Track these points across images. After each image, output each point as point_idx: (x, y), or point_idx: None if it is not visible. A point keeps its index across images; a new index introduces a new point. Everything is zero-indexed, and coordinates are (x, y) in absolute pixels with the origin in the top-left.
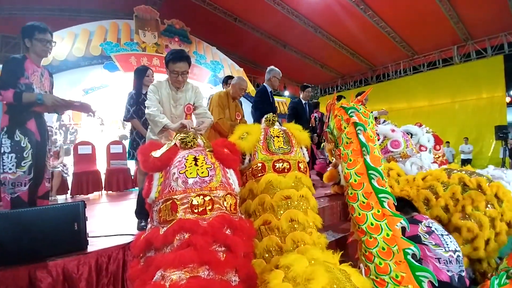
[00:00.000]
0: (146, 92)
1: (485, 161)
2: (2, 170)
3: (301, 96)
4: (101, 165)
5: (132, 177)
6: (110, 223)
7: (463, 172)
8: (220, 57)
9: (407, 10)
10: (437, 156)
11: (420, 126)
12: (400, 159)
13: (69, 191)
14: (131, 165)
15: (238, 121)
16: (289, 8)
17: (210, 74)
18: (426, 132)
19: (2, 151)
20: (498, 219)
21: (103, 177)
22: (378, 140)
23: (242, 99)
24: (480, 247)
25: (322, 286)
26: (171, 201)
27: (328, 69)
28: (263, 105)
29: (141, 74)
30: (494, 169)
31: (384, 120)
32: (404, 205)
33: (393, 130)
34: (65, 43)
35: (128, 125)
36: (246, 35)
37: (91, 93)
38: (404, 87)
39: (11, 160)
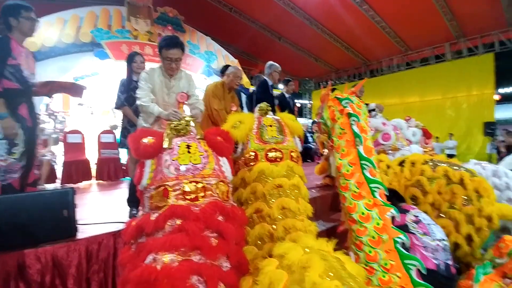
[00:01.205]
0: (137, 79)
1: (472, 156)
2: None
3: (284, 89)
4: (92, 155)
5: (124, 167)
6: (101, 211)
7: (448, 165)
8: (214, 47)
9: (403, 5)
10: (426, 150)
11: (409, 119)
12: (390, 151)
13: (58, 180)
14: (122, 155)
15: (233, 112)
16: (286, 0)
17: (203, 65)
18: (416, 126)
19: None
20: (476, 215)
21: (94, 166)
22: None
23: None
24: (462, 243)
25: (318, 274)
26: (163, 187)
27: (322, 62)
28: (265, 96)
29: (130, 60)
30: (475, 163)
31: (376, 113)
32: (392, 196)
33: (384, 124)
34: (54, 29)
35: (118, 114)
36: (241, 26)
37: (81, 81)
38: (397, 82)
39: (2, 146)
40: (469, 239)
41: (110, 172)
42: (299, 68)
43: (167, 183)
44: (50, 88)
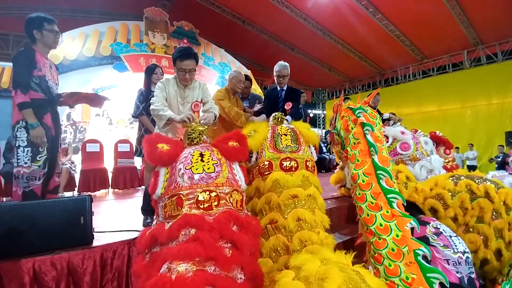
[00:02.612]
0: None
1: (494, 167)
2: (17, 163)
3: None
4: (109, 163)
5: (139, 175)
6: (116, 219)
7: (470, 178)
8: (228, 59)
9: (417, 13)
10: (447, 160)
11: (415, 132)
12: (410, 162)
13: (76, 188)
14: (138, 163)
15: (250, 115)
16: (298, 11)
17: (218, 76)
18: (424, 136)
19: (17, 144)
20: (506, 229)
21: (110, 175)
22: (387, 142)
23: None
24: (491, 258)
25: (337, 286)
26: (176, 196)
27: (336, 72)
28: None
29: (150, 72)
30: (492, 175)
31: (394, 122)
32: (411, 207)
33: (402, 132)
34: (76, 43)
35: (135, 125)
36: (254, 37)
37: (101, 93)
38: (413, 91)
39: (26, 154)
40: (498, 254)
41: (126, 181)
42: (312, 78)
43: (181, 192)
44: (76, 98)
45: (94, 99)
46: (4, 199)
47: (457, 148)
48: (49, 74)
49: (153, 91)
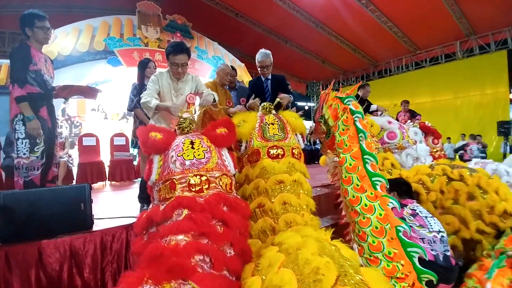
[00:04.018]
0: None
1: (486, 157)
2: (17, 155)
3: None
4: (105, 157)
5: (135, 168)
6: (113, 208)
7: (447, 165)
8: (221, 52)
9: (409, 5)
10: (435, 150)
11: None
12: (396, 150)
13: (74, 181)
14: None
15: (229, 107)
16: (291, 3)
17: (211, 69)
18: (413, 126)
19: (16, 137)
20: (484, 211)
21: (107, 168)
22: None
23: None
24: (475, 237)
25: (311, 253)
26: (170, 181)
27: (330, 64)
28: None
29: (143, 66)
30: (475, 162)
31: (381, 113)
32: (398, 186)
33: (389, 122)
34: (70, 38)
35: (131, 119)
36: (247, 30)
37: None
38: (406, 82)
39: (25, 145)
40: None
41: (122, 173)
42: (306, 70)
43: (174, 177)
44: (69, 91)
45: (87, 91)
46: None
47: (449, 138)
48: (45, 68)
49: (146, 85)
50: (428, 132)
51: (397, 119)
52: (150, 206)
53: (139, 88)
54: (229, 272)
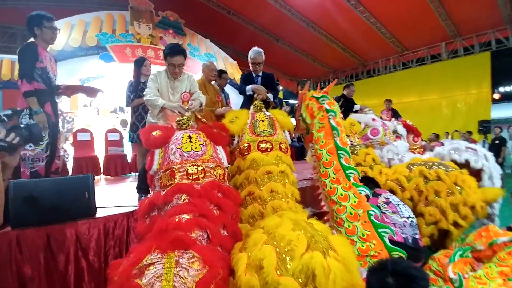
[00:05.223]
0: (145, 81)
1: None
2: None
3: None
4: (98, 152)
5: (129, 163)
6: (112, 199)
7: (423, 165)
8: (214, 49)
9: (397, 6)
10: (415, 147)
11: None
12: (378, 146)
13: (69, 174)
14: (128, 151)
15: (219, 102)
16: (282, 3)
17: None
18: (397, 124)
19: None
20: (461, 205)
21: (101, 163)
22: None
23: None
24: (452, 229)
25: (286, 229)
26: (170, 170)
27: (320, 63)
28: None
29: (139, 64)
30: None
31: (370, 109)
32: (369, 182)
33: (373, 119)
34: (62, 33)
35: (121, 115)
36: (239, 28)
37: (87, 83)
38: (394, 82)
39: None
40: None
41: (117, 168)
42: (297, 69)
43: (173, 166)
44: (73, 90)
45: (89, 90)
46: None
47: None
48: (49, 66)
49: (141, 82)
50: (409, 130)
51: (380, 117)
52: (150, 194)
53: (135, 85)
54: (222, 249)
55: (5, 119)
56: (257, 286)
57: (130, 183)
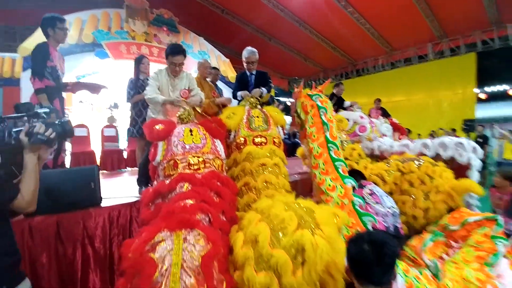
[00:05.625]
0: (144, 78)
1: None
2: None
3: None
4: (95, 147)
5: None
6: (113, 191)
7: (400, 160)
8: (207, 47)
9: (386, 7)
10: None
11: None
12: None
13: None
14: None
15: (215, 98)
16: (275, 2)
17: (196, 64)
18: (385, 123)
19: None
20: (433, 192)
21: (98, 158)
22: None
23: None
24: (418, 215)
25: (279, 210)
26: (173, 160)
27: (311, 62)
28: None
29: (138, 62)
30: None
31: (356, 108)
32: (356, 174)
33: (361, 117)
34: None
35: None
36: (233, 27)
37: (83, 80)
38: (383, 81)
39: None
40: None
41: (113, 163)
42: (289, 67)
43: (176, 157)
44: (79, 87)
45: (93, 87)
46: None
47: (419, 135)
48: (58, 65)
49: (141, 79)
50: (395, 128)
51: (369, 115)
52: (155, 182)
53: (135, 82)
54: (222, 231)
55: (44, 116)
56: (252, 257)
57: (127, 178)
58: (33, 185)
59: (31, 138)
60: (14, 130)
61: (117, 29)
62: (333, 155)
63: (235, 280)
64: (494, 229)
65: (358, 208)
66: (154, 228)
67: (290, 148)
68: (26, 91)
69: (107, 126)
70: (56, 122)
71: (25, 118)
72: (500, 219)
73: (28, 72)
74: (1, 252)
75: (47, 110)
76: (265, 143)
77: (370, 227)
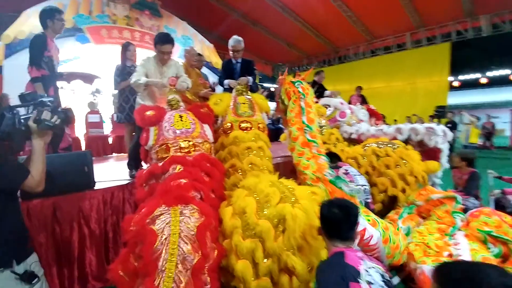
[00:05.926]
0: (131, 65)
1: None
2: None
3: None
4: (78, 133)
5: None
6: (102, 175)
7: (374, 145)
8: (190, 32)
9: None
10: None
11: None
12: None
13: None
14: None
15: (201, 85)
16: None
17: (180, 49)
18: (362, 109)
19: None
20: (407, 174)
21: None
22: (329, 110)
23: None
24: (399, 194)
25: (264, 185)
26: (165, 144)
27: (295, 48)
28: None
29: (124, 49)
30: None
31: (335, 96)
32: (333, 157)
33: (341, 103)
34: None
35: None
36: (217, 12)
37: (64, 65)
38: (363, 68)
39: None
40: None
41: (99, 149)
42: (273, 53)
43: (168, 141)
44: (73, 77)
45: (87, 77)
46: None
47: (395, 120)
48: (55, 55)
49: (127, 66)
50: (372, 114)
51: (350, 102)
52: (147, 165)
53: (121, 68)
54: (212, 207)
55: (49, 103)
56: (240, 226)
57: (114, 163)
58: (41, 166)
59: (39, 124)
60: (22, 117)
61: (98, 13)
62: (309, 137)
63: (225, 248)
64: (453, 206)
65: (330, 177)
66: (153, 203)
67: (274, 133)
68: (9, 79)
69: (90, 112)
70: (60, 109)
71: (32, 106)
72: (459, 197)
73: (11, 60)
74: (12, 228)
75: (51, 98)
76: (251, 128)
77: (345, 188)
